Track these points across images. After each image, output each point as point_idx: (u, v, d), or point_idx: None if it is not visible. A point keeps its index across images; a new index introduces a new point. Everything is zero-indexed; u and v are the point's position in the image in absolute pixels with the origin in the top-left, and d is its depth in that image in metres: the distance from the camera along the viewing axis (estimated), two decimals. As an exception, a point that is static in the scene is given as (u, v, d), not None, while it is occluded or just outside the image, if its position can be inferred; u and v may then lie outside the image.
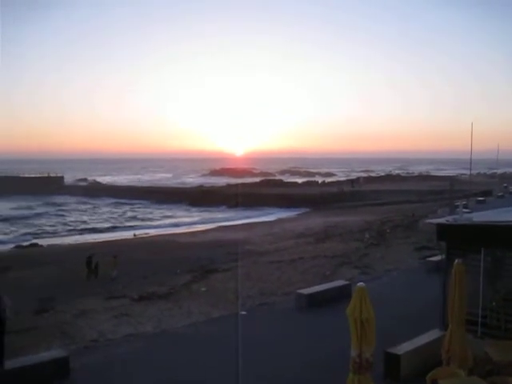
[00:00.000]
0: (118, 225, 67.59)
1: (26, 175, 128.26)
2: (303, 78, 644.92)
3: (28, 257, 40.25)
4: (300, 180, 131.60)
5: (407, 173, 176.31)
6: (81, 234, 59.25)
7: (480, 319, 11.45)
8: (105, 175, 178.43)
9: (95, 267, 30.56)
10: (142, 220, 72.78)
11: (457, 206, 20.24)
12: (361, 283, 9.95)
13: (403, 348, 11.16)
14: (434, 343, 11.12)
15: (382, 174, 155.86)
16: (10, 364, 11.34)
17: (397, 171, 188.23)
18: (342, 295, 16.43)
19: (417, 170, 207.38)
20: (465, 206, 26.61)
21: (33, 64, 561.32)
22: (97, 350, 13.97)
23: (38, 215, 77.38)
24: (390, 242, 35.31)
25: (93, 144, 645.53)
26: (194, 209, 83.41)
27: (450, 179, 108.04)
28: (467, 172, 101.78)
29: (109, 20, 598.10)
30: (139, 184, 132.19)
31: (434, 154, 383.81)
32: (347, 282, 18.88)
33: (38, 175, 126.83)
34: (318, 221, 55.89)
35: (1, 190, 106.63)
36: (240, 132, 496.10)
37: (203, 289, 23.12)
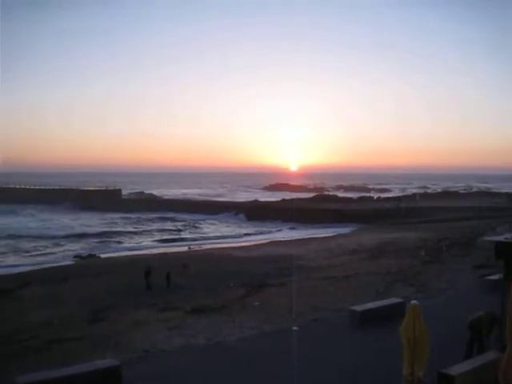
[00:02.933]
0: (173, 237, 68.46)
1: (85, 188, 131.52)
2: (357, 93, 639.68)
3: (86, 268, 41.27)
4: (354, 195, 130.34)
5: (465, 189, 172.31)
6: (136, 246, 60.28)
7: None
8: (161, 188, 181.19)
9: (166, 277, 31.34)
10: (197, 233, 73.47)
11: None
12: (414, 301, 9.85)
13: (458, 369, 10.85)
14: (490, 365, 10.81)
15: (439, 191, 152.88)
16: (64, 371, 11.64)
17: (454, 188, 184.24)
18: (395, 313, 16.14)
19: (475, 186, 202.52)
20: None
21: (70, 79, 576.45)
22: (149, 360, 14.17)
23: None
24: (446, 259, 34.56)
25: (150, 157, 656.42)
26: (248, 223, 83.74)
27: (510, 196, 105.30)
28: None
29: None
30: (195, 198, 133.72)
31: (494, 170, 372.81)
32: (401, 300, 18.57)
33: (96, 188, 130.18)
34: (372, 237, 55.21)
35: (61, 201, 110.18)
36: (295, 146, 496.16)
37: (256, 303, 23.16)
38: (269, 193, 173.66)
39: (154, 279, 31.33)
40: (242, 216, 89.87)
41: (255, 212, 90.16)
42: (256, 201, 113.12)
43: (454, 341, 13.82)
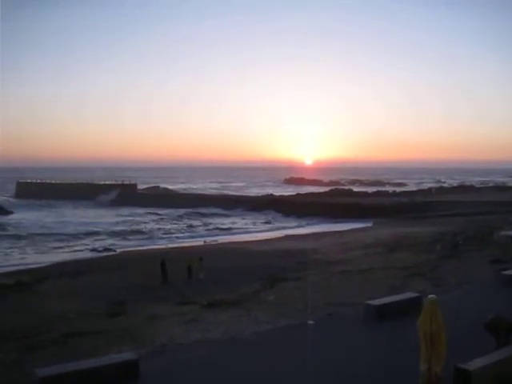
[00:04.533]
0: (188, 232, 68.75)
1: (102, 182, 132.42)
2: (371, 87, 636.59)
3: (103, 262, 41.58)
4: (370, 190, 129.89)
5: (481, 183, 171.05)
6: (152, 240, 60.61)
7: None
8: (176, 183, 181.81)
9: (188, 270, 31.53)
10: (213, 228, 73.68)
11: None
12: (432, 295, 9.78)
13: (475, 364, 10.73)
14: (508, 360, 10.74)
15: (455, 185, 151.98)
16: (81, 364, 11.72)
17: (470, 182, 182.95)
18: (411, 307, 16.06)
19: (492, 180, 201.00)
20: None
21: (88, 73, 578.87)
22: (166, 354, 14.21)
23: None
24: (462, 254, 34.28)
25: (164, 152, 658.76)
26: (263, 217, 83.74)
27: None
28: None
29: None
30: (210, 192, 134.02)
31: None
32: (418, 295, 18.46)
33: (112, 182, 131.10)
34: (388, 231, 55.02)
35: (83, 196, 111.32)
36: (311, 140, 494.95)
37: (271, 297, 23.15)
38: (284, 187, 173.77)
39: (173, 273, 31.53)
40: (257, 210, 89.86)
41: (270, 206, 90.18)
42: (271, 195, 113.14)
43: (471, 336, 13.74)
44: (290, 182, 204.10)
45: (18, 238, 60.59)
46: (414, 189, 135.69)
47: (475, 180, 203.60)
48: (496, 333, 12.19)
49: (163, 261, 31.99)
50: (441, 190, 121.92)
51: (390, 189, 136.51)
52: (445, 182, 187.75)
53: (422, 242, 42.34)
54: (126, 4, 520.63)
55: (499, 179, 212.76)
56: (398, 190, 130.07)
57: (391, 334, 15.34)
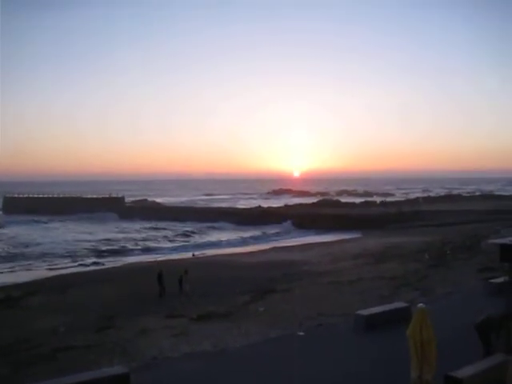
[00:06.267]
0: (176, 245, 68.56)
1: (89, 196, 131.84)
2: (358, 98, 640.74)
3: (90, 275, 41.39)
4: (357, 200, 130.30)
5: (468, 192, 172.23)
6: (140, 253, 60.41)
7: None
8: (163, 196, 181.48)
9: (179, 282, 31.51)
10: (200, 240, 73.54)
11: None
12: (421, 304, 9.91)
13: (465, 372, 10.86)
14: (497, 368, 10.86)
15: (442, 194, 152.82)
16: (73, 378, 11.70)
17: (457, 191, 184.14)
18: (401, 317, 16.20)
19: (478, 189, 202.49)
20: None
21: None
22: (157, 367, 14.24)
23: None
24: (450, 263, 34.49)
25: (150, 165, 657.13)
26: (251, 229, 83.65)
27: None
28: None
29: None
30: (196, 205, 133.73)
31: (498, 173, 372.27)
32: (406, 304, 18.61)
33: (100, 196, 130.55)
34: (376, 241, 55.24)
35: (68, 210, 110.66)
36: (298, 152, 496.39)
37: (261, 309, 23.19)
38: (272, 199, 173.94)
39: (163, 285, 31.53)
40: (245, 222, 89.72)
41: (258, 218, 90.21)
42: (259, 207, 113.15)
43: (460, 344, 13.86)
44: (278, 193, 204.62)
45: (7, 252, 60.21)
46: (402, 199, 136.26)
47: (462, 189, 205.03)
48: (486, 334, 12.28)
49: (160, 273, 31.87)
50: (428, 200, 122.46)
51: (377, 199, 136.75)
52: (432, 192, 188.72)
53: (410, 252, 42.56)
54: (118, 15, 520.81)
55: (486, 188, 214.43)
56: (385, 200, 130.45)
57: (381, 343, 15.45)
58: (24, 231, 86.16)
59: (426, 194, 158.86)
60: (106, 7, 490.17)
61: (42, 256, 57.90)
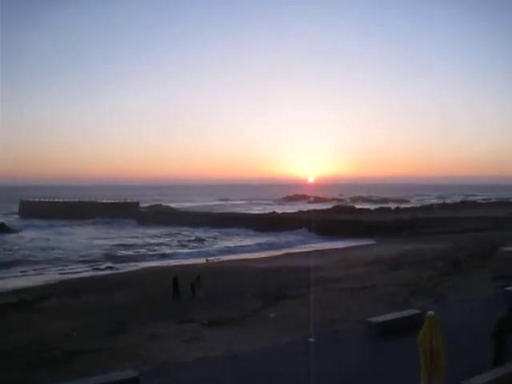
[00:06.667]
0: (190, 250, 68.74)
1: (104, 201, 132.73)
2: (374, 104, 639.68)
3: (104, 280, 41.58)
4: (372, 206, 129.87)
5: (484, 199, 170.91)
6: (154, 258, 60.58)
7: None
8: (179, 201, 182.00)
9: (191, 288, 31.65)
10: (214, 245, 73.74)
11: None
12: (431, 312, 9.83)
13: (477, 380, 10.72)
14: (509, 376, 10.73)
15: (458, 201, 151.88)
16: (84, 382, 11.75)
17: (473, 197, 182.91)
18: (413, 324, 16.06)
19: (495, 195, 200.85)
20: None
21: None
22: (167, 372, 14.25)
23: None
24: (464, 270, 34.20)
25: (168, 169, 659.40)
26: (265, 235, 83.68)
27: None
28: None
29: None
30: (211, 210, 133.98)
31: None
32: (419, 311, 18.46)
33: (115, 201, 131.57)
34: (390, 248, 54.93)
35: (83, 214, 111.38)
36: (314, 157, 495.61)
37: (273, 315, 23.15)
38: (286, 204, 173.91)
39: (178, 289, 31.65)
40: (259, 228, 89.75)
41: (272, 224, 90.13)
42: (273, 212, 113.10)
43: (473, 352, 13.73)
44: (293, 199, 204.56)
45: (22, 256, 60.79)
46: (417, 205, 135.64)
47: (478, 196, 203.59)
48: (501, 339, 12.05)
49: (176, 278, 32.03)
50: (443, 207, 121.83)
51: (392, 205, 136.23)
52: (448, 198, 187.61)
53: (424, 259, 42.23)
54: (130, 12, 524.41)
55: (503, 195, 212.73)
56: (400, 206, 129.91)
57: (392, 350, 15.34)
58: (40, 235, 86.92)
59: (441, 201, 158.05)
60: (113, 5, 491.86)
61: (57, 260, 58.46)
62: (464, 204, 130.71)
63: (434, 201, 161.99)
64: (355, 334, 17.74)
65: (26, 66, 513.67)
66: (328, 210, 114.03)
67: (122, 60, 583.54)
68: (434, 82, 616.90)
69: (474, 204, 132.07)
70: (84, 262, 56.97)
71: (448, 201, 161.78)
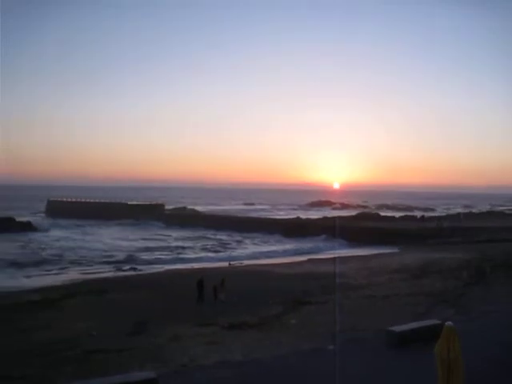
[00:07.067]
0: (213, 253, 68.93)
1: (129, 202, 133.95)
2: (401, 111, 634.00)
3: (127, 281, 41.94)
4: (397, 214, 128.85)
5: (511, 209, 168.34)
6: (177, 261, 60.86)
7: None
8: (204, 204, 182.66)
9: (214, 291, 31.81)
10: (237, 249, 73.82)
11: None
12: (449, 322, 9.72)
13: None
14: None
15: (484, 211, 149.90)
16: (101, 381, 11.85)
17: (501, 207, 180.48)
18: (434, 335, 15.88)
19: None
20: None
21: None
22: (186, 374, 14.30)
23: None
24: (490, 281, 33.82)
25: (195, 173, 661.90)
26: (289, 240, 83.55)
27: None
28: None
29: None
30: (236, 214, 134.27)
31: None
32: (440, 322, 18.24)
33: (141, 203, 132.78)
34: (414, 257, 54.45)
35: (108, 215, 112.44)
36: (339, 163, 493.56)
37: (293, 321, 23.14)
38: (311, 210, 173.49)
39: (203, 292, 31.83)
40: (283, 233, 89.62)
41: (297, 229, 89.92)
42: (298, 218, 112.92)
43: (495, 364, 13.56)
44: (318, 205, 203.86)
45: (48, 255, 61.66)
46: (443, 214, 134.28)
47: (506, 206, 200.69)
48: None
49: (201, 280, 32.21)
50: (469, 216, 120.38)
51: (417, 213, 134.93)
52: (474, 208, 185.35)
53: (449, 269, 41.83)
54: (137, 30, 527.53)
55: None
56: (425, 214, 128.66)
57: (412, 360, 15.20)
58: (66, 235, 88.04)
59: (467, 210, 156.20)
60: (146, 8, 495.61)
61: (81, 260, 59.03)
62: (491, 214, 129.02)
63: (460, 210, 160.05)
64: (375, 342, 17.62)
65: (47, 66, 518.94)
66: (352, 216, 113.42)
67: (166, 60, 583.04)
68: (467, 90, 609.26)
69: (502, 214, 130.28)
70: (108, 262, 57.43)
71: (474, 210, 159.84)
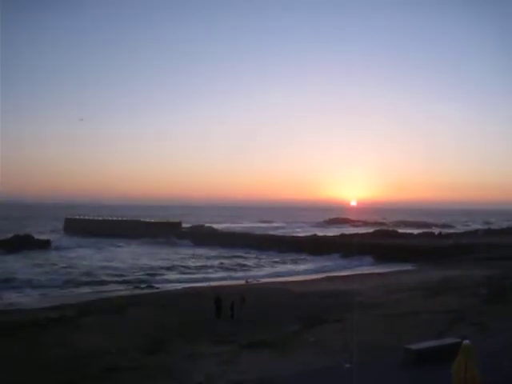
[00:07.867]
0: (230, 271, 68.85)
1: (147, 220, 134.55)
2: (416, 127, 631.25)
3: (144, 298, 41.99)
4: (415, 231, 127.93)
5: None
6: (194, 279, 60.85)
7: None
8: (220, 222, 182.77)
9: (231, 308, 31.76)
10: (253, 267, 73.67)
11: None
12: (466, 341, 9.66)
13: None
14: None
15: (504, 227, 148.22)
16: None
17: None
18: (452, 353, 15.71)
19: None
20: None
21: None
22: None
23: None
24: (510, 298, 33.40)
25: (212, 190, 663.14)
26: (307, 258, 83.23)
27: None
28: None
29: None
30: (253, 232, 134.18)
31: None
32: (459, 340, 18.05)
33: (158, 220, 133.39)
34: (432, 274, 53.98)
35: (125, 233, 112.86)
36: (356, 181, 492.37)
37: (311, 339, 23.02)
38: (328, 227, 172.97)
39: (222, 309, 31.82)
40: (300, 251, 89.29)
41: (313, 247, 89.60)
42: (315, 235, 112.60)
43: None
44: (335, 222, 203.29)
45: (66, 273, 62.05)
46: (461, 231, 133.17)
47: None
48: None
49: (219, 297, 32.23)
50: (489, 232, 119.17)
51: (435, 230, 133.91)
52: (494, 224, 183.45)
53: (468, 286, 41.40)
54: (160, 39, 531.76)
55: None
56: (444, 231, 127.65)
57: (429, 379, 15.05)
58: (83, 252, 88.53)
59: (487, 227, 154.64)
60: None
61: (98, 277, 59.24)
62: (511, 230, 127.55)
63: (479, 226, 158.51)
64: (392, 360, 17.49)
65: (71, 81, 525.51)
66: (370, 233, 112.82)
67: (184, 75, 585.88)
68: (480, 105, 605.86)
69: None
70: (125, 280, 57.60)
71: (494, 226, 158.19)
